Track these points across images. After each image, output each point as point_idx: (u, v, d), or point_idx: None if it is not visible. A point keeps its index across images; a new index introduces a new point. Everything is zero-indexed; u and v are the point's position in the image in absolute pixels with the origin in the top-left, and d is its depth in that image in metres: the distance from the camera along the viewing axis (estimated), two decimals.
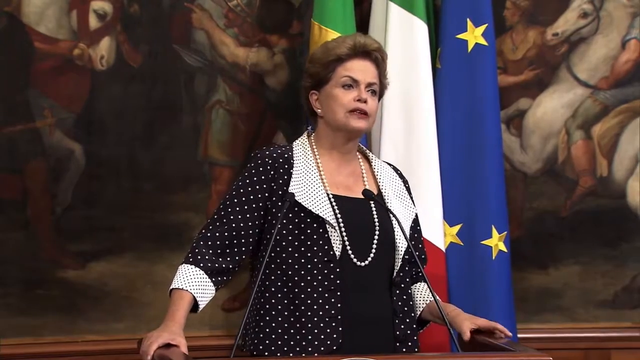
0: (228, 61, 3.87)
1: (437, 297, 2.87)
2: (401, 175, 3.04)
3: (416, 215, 3.00)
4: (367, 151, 3.02)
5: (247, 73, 3.88)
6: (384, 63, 2.93)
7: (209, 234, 2.79)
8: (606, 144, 3.99)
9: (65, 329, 3.77)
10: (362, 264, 2.80)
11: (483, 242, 3.68)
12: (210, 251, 2.76)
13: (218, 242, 2.78)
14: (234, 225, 2.79)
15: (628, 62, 3.98)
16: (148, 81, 3.81)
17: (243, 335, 2.84)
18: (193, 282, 2.71)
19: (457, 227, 3.70)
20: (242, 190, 2.82)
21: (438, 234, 3.63)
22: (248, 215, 2.80)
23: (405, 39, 3.67)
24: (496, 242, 3.68)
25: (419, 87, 3.66)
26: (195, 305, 2.73)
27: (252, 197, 2.81)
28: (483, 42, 3.71)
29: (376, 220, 2.84)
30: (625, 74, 3.98)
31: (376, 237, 2.82)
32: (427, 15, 3.71)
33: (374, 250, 2.82)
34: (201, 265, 2.74)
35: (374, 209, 2.87)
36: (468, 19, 3.71)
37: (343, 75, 2.86)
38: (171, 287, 2.72)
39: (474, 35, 3.71)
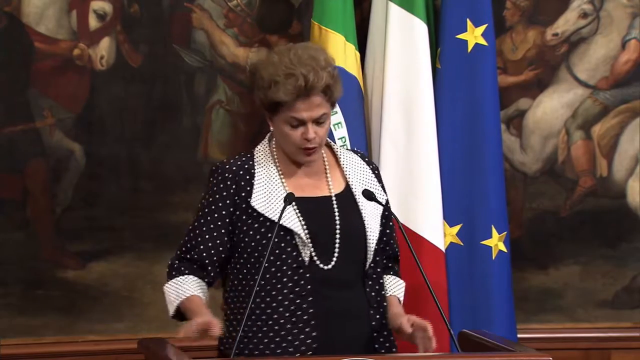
0: (228, 61, 3.87)
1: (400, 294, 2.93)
2: (369, 162, 2.95)
3: (386, 202, 2.90)
4: (332, 143, 2.93)
5: (247, 73, 3.88)
6: (331, 85, 2.74)
7: (182, 255, 2.81)
8: (606, 144, 3.99)
9: (66, 329, 3.77)
10: (327, 267, 2.79)
11: (483, 242, 3.68)
12: (189, 269, 2.80)
13: (195, 265, 2.79)
14: (209, 244, 2.78)
15: (628, 62, 3.98)
16: (148, 81, 3.81)
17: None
18: (190, 287, 2.75)
19: (457, 227, 3.69)
20: (206, 210, 2.80)
21: (438, 234, 3.63)
22: (215, 234, 2.78)
23: (405, 39, 3.67)
24: (496, 242, 3.68)
25: (419, 87, 3.66)
26: None
27: (216, 215, 2.78)
28: (483, 42, 3.71)
29: (337, 219, 2.81)
30: (625, 74, 3.98)
31: (337, 238, 2.79)
32: (427, 15, 3.71)
33: (336, 252, 2.79)
34: (187, 272, 2.78)
35: (335, 207, 2.82)
36: (468, 19, 3.70)
37: (289, 116, 2.73)
38: (174, 307, 2.76)
39: (473, 36, 3.71)
